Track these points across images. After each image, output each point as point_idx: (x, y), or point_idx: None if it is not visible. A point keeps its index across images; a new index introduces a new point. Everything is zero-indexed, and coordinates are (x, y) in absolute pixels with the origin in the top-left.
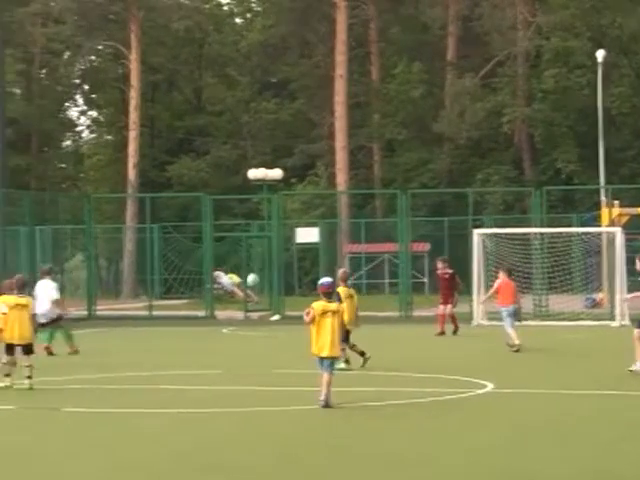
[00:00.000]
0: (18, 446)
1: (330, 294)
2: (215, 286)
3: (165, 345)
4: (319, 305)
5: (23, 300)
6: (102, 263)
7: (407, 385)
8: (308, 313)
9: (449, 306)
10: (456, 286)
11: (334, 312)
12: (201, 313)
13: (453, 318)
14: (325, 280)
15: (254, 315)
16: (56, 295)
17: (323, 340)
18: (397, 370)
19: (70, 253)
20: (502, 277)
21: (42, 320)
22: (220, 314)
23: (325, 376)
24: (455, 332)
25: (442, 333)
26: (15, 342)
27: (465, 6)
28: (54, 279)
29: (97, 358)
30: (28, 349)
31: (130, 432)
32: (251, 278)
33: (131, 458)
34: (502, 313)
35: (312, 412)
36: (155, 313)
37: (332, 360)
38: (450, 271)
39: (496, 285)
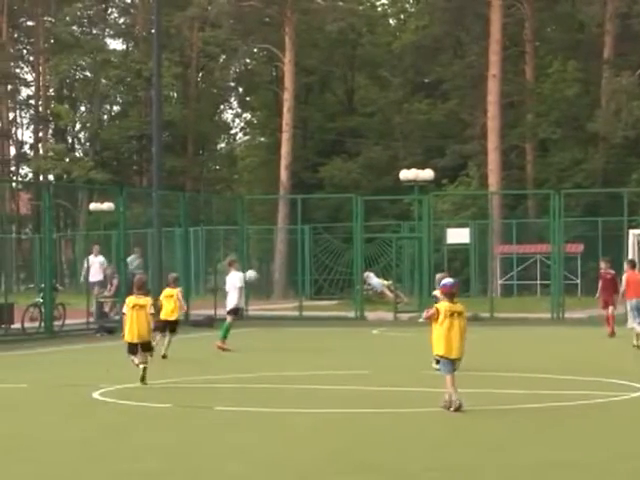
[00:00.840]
0: (172, 443)
1: (453, 295)
2: (365, 287)
3: (315, 345)
4: (444, 305)
5: (141, 300)
6: (254, 263)
7: (558, 387)
8: (428, 311)
9: (611, 307)
10: (616, 287)
11: (459, 313)
12: (351, 314)
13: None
14: (448, 281)
15: (404, 316)
16: (239, 284)
17: (453, 341)
18: (548, 372)
19: (223, 254)
20: (627, 270)
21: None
22: (370, 315)
23: (451, 377)
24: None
25: (613, 334)
26: (134, 341)
27: (624, 3)
28: (238, 269)
29: (249, 357)
30: (145, 347)
31: (280, 432)
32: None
33: (281, 457)
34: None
35: (460, 413)
36: (305, 314)
37: (459, 360)
38: (612, 272)
39: (624, 279)
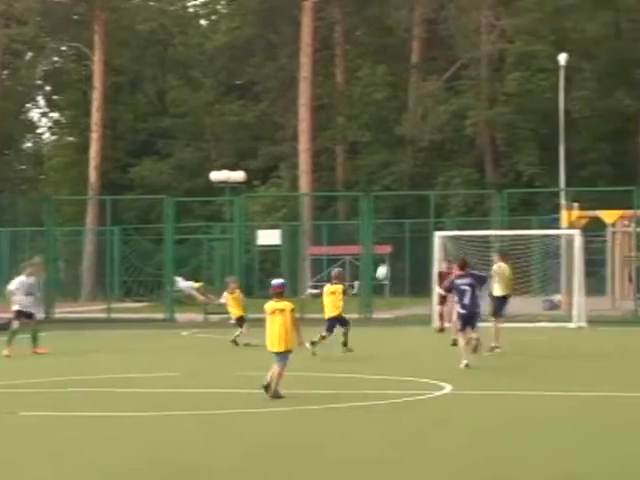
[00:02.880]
0: None
1: (281, 294)
2: (175, 289)
3: (124, 348)
4: (269, 305)
5: None
6: (61, 265)
7: (364, 387)
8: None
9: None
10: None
11: (281, 310)
12: (160, 315)
13: (443, 317)
14: (276, 281)
15: (214, 317)
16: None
17: (273, 336)
18: (354, 372)
19: (28, 255)
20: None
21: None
22: (180, 317)
23: (275, 368)
24: (442, 330)
25: (443, 330)
26: None
27: (431, 9)
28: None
29: (56, 361)
30: None
31: (92, 436)
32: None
33: (94, 463)
34: None
35: (275, 413)
36: (114, 316)
37: (283, 354)
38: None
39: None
